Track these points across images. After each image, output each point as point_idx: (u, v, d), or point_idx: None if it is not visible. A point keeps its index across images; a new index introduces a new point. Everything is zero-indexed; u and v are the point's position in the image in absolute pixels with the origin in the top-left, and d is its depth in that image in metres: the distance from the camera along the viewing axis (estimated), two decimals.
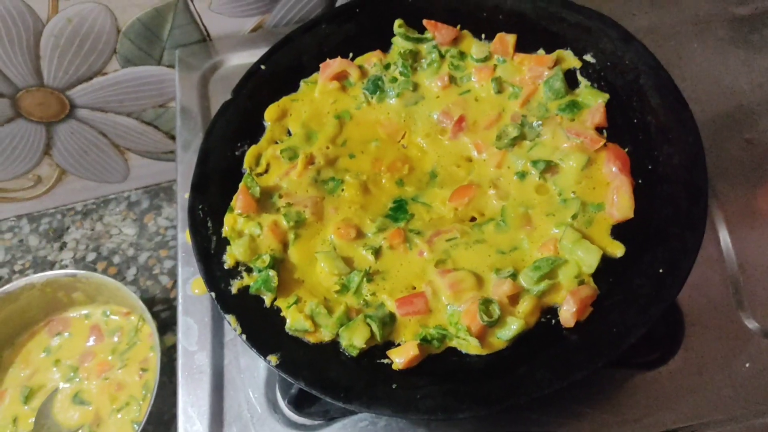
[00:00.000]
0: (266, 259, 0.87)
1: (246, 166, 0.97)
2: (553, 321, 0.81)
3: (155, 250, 1.46)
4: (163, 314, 1.38)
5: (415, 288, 0.85)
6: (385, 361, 0.80)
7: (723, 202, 1.02)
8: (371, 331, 0.81)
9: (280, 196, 0.94)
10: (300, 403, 0.92)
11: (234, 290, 0.87)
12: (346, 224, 0.91)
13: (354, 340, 0.81)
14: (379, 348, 0.82)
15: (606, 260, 0.82)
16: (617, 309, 0.79)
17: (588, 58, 0.96)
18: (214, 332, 1.01)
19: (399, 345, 0.82)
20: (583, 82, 0.96)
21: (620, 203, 0.85)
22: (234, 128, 1.00)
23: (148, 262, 1.45)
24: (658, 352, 0.92)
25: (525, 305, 0.80)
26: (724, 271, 0.96)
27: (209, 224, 0.92)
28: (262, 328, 0.84)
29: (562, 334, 0.79)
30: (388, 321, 0.83)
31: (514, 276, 0.83)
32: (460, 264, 0.86)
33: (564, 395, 0.90)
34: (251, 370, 0.97)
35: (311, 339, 0.83)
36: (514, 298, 0.82)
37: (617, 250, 0.83)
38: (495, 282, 0.83)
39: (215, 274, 0.88)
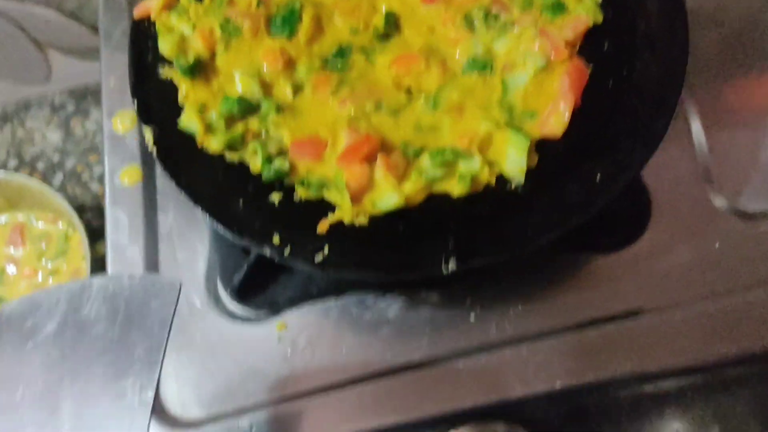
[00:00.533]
0: (191, 59, 0.85)
1: None
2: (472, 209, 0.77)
3: (83, 156, 1.35)
4: (95, 223, 1.27)
5: (318, 135, 0.83)
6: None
7: (693, 88, 0.96)
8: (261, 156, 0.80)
9: (228, 3, 0.89)
10: (244, 293, 0.86)
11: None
12: (280, 51, 0.86)
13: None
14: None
15: (545, 160, 0.78)
16: (541, 210, 0.75)
17: None
18: (147, 225, 0.93)
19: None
20: None
21: (554, 119, 0.79)
22: None
23: (76, 167, 1.34)
24: (623, 233, 0.88)
25: (411, 185, 0.77)
26: (693, 150, 0.91)
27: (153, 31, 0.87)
28: (178, 150, 0.81)
29: (474, 220, 0.76)
30: (277, 156, 0.81)
31: (418, 153, 0.80)
32: (373, 127, 0.82)
33: (524, 279, 0.86)
34: (189, 264, 0.90)
35: (197, 142, 0.81)
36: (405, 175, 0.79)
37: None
38: (396, 154, 0.80)
39: (144, 87, 0.85)
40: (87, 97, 1.42)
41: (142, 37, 0.89)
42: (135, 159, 0.97)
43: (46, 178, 1.33)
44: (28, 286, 1.19)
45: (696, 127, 0.94)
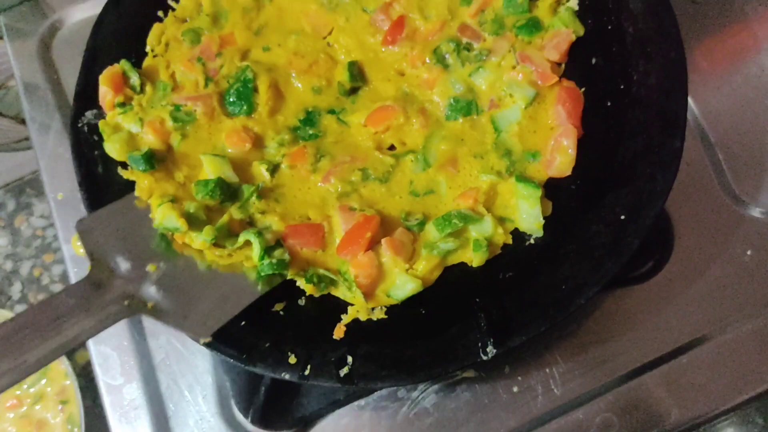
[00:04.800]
0: (144, 149, 0.75)
1: (149, 47, 0.83)
2: (495, 275, 0.70)
3: (37, 257, 1.24)
4: None
5: (310, 219, 0.74)
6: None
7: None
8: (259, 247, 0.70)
9: (172, 89, 0.81)
10: (267, 418, 0.77)
11: None
12: (244, 131, 0.78)
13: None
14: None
15: (560, 203, 0.72)
16: (569, 261, 0.68)
17: None
18: (140, 356, 0.83)
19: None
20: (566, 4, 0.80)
21: (560, 156, 0.73)
22: (129, 21, 0.84)
23: (33, 272, 1.23)
24: (650, 260, 0.82)
25: (424, 264, 0.70)
26: (700, 150, 0.86)
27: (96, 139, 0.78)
28: None
29: (500, 288, 0.69)
30: (272, 246, 0.72)
31: (422, 224, 0.72)
32: (366, 201, 0.74)
33: (558, 331, 0.80)
34: (197, 391, 0.81)
35: (178, 240, 0.71)
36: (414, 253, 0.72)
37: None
38: (400, 232, 0.72)
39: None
40: (25, 190, 1.30)
41: (85, 148, 0.78)
42: None
43: (3, 291, 1.21)
44: (16, 417, 1.08)
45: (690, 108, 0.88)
